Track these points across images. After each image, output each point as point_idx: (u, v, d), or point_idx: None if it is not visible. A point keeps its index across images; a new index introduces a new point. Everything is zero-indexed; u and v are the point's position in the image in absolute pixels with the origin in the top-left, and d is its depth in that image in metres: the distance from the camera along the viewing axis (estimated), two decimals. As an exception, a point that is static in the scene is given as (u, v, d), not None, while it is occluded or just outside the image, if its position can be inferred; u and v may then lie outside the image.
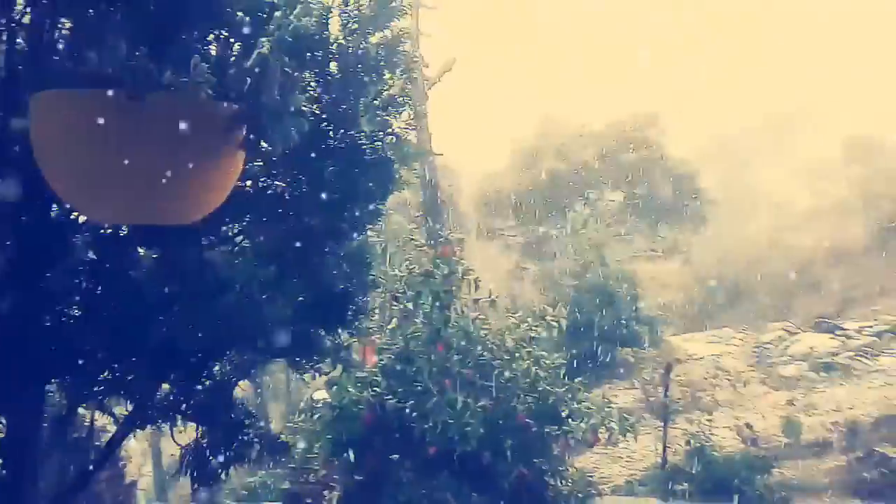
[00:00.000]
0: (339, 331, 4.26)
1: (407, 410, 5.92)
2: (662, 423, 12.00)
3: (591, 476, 7.26)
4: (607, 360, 14.70)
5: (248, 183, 3.12)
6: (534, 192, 24.47)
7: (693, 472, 11.04)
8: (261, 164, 3.23)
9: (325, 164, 2.97)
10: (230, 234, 3.41)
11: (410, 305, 6.26)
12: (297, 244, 3.35)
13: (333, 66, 3.25)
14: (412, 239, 6.03)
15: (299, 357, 4.15)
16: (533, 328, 6.75)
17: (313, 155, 3.10)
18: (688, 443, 11.47)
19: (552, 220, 24.05)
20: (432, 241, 6.44)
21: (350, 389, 5.97)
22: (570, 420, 6.53)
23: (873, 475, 10.69)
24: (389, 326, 6.64)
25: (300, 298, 3.46)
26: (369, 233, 4.25)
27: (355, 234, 3.78)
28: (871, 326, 17.13)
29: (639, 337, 16.25)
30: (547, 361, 6.82)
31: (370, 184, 3.53)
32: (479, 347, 6.37)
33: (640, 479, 11.94)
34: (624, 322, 16.06)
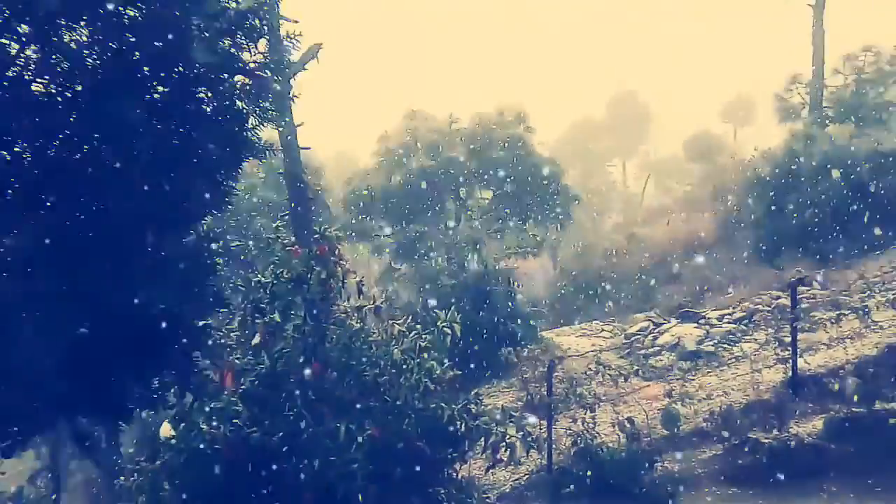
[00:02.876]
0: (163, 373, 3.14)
1: (276, 446, 4.89)
2: (546, 424, 11.67)
3: (486, 494, 6.55)
4: (488, 360, 14.25)
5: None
6: (405, 191, 23.74)
7: (580, 473, 10.76)
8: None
9: (143, 118, 1.90)
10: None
11: (278, 318, 5.21)
12: (95, 245, 2.21)
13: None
14: (278, 237, 4.95)
15: (104, 417, 2.98)
16: (423, 336, 5.94)
17: (122, 103, 1.98)
18: (574, 443, 11.19)
19: (424, 219, 23.43)
20: (303, 242, 5.33)
21: (203, 426, 4.83)
22: (467, 440, 5.80)
23: (747, 461, 10.89)
24: (253, 343, 5.53)
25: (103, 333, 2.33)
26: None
27: (191, 227, 2.67)
28: (730, 314, 17.92)
29: (516, 334, 16.00)
30: (438, 373, 6.04)
31: (211, 146, 2.42)
32: (363, 363, 5.46)
33: (527, 485, 11.50)
34: (502, 320, 15.74)
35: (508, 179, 24.54)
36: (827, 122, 26.44)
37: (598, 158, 63.22)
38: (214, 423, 4.88)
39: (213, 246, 2.83)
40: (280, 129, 15.80)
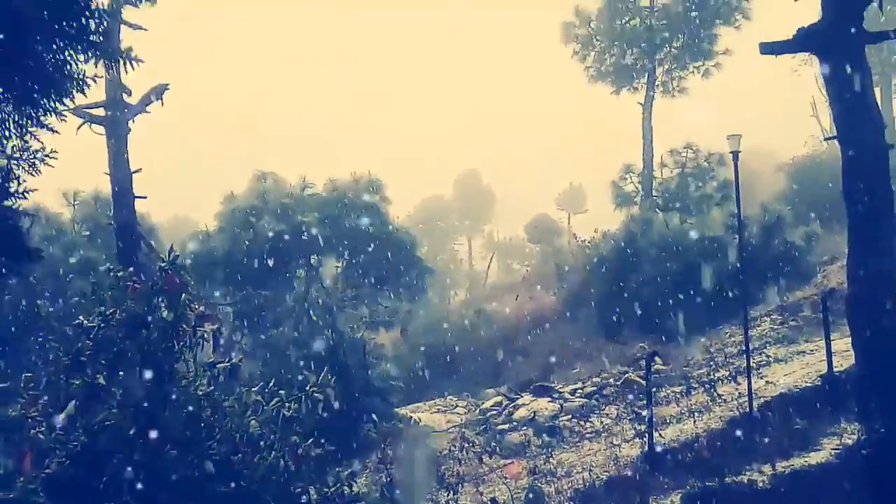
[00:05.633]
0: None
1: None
2: (407, 508, 10.65)
3: None
4: (343, 437, 13.01)
5: None
6: (250, 256, 22.18)
7: (443, 563, 9.83)
8: None
9: None
10: None
11: (102, 378, 3.98)
12: None
13: None
14: (111, 269, 3.81)
15: None
16: (287, 404, 4.91)
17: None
18: (438, 528, 10.26)
19: (271, 287, 21.92)
20: (140, 278, 4.13)
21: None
22: (338, 529, 4.78)
23: (613, 541, 10.54)
24: (65, 412, 4.22)
25: None
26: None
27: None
28: (581, 388, 18.09)
29: (372, 410, 14.94)
30: (303, 450, 5.01)
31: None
32: (213, 436, 4.32)
33: (385, 578, 10.32)
34: (356, 395, 14.65)
35: (363, 249, 23.83)
36: (657, 209, 28.62)
37: (446, 236, 64.69)
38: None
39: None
40: (113, 175, 14.11)
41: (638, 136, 31.60)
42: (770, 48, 8.84)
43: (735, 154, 13.47)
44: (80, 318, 3.84)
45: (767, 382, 13.86)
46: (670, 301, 20.78)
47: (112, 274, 3.90)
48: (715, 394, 14.00)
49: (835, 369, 12.85)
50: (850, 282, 7.90)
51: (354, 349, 15.99)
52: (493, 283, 53.50)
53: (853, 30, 7.96)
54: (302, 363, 14.81)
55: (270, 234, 21.81)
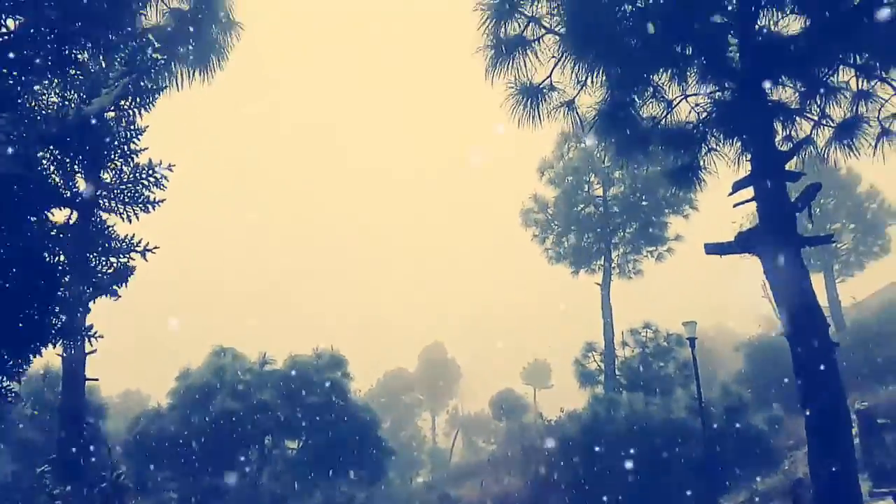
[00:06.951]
0: None
1: None
2: None
3: None
4: None
5: None
6: (202, 437, 21.19)
7: None
8: None
9: None
10: None
11: None
12: None
13: None
14: (45, 485, 3.53)
15: None
16: None
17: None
18: None
19: (222, 471, 20.72)
20: (75, 494, 3.86)
21: None
22: None
23: None
24: None
25: None
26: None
27: None
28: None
29: None
30: None
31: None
32: None
33: None
34: None
35: (322, 428, 22.99)
36: (620, 389, 28.52)
37: (410, 411, 63.08)
38: None
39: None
40: (65, 354, 13.63)
41: (599, 313, 32.25)
42: (714, 248, 9.40)
43: (692, 340, 13.80)
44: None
45: (744, 583, 13.11)
46: (640, 488, 20.06)
47: (49, 489, 3.63)
48: None
49: (812, 569, 12.26)
50: (814, 482, 7.79)
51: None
52: (457, 462, 51.42)
53: (788, 235, 8.56)
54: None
55: (224, 414, 21.00)
